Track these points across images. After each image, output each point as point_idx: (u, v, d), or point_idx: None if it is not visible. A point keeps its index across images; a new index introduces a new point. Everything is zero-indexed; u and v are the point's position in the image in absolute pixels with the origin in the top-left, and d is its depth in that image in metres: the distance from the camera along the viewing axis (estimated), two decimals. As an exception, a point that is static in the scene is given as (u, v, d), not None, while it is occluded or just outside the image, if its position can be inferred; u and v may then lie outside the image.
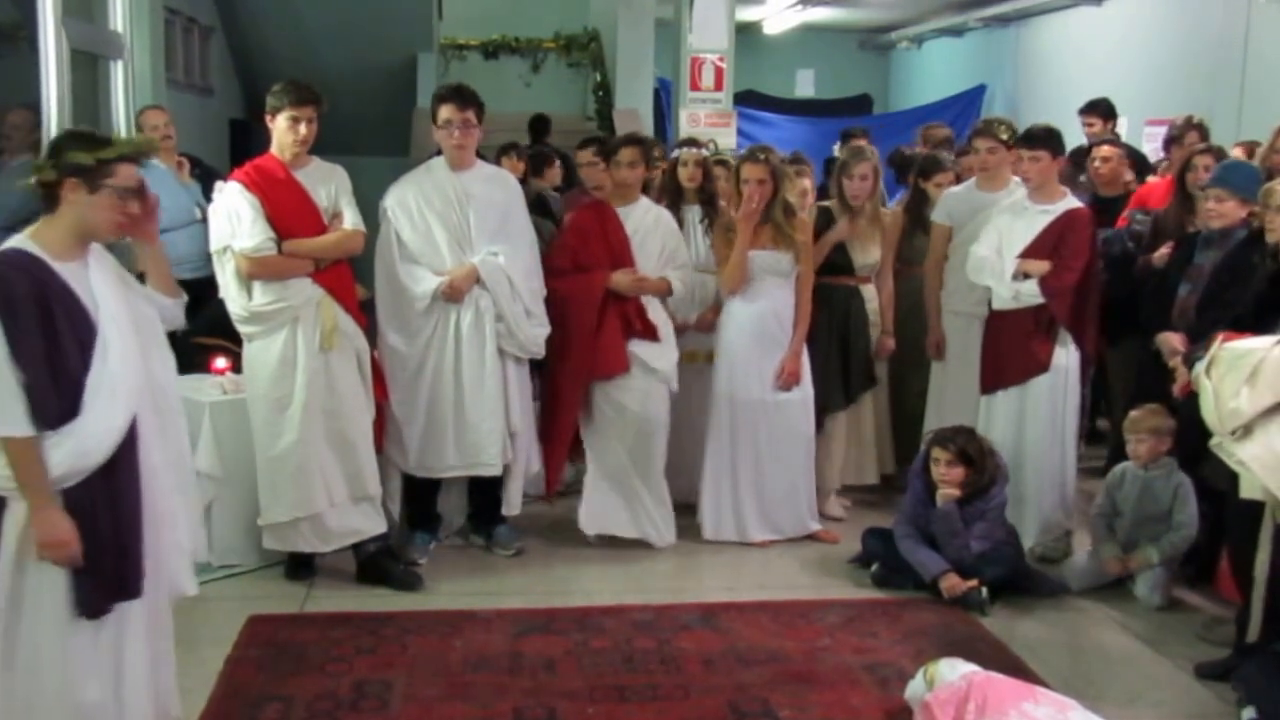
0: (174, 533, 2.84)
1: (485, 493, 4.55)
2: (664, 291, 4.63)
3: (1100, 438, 5.77)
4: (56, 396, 2.55)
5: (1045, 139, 4.47)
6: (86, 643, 2.65)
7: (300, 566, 4.22)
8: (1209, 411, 3.19)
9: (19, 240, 2.63)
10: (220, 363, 4.45)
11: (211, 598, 4.09)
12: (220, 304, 5.14)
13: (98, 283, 2.66)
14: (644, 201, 4.69)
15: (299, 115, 3.96)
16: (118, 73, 6.56)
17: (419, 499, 4.51)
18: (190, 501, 3.01)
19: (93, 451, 2.59)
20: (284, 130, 3.98)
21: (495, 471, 4.41)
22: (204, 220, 5.69)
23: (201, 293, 5.64)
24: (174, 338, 5.75)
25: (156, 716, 2.83)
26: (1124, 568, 4.22)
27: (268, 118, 4.01)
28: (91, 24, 6.27)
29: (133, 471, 2.68)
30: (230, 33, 9.98)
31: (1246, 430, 3.11)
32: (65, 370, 2.56)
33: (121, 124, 6.55)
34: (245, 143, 9.36)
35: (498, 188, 4.39)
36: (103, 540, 2.62)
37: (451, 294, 4.22)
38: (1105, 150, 5.67)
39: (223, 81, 9.89)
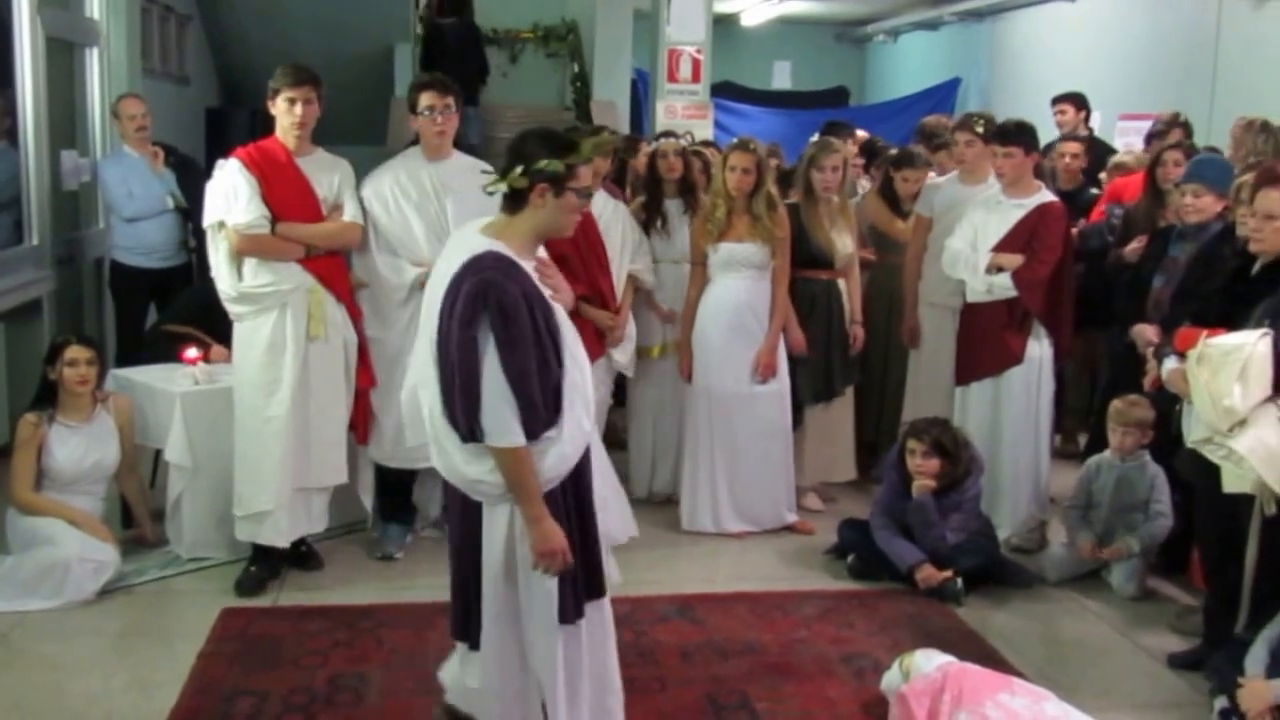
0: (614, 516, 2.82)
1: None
2: (633, 296, 4.79)
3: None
4: (544, 403, 2.51)
5: (1019, 135, 4.50)
6: (571, 645, 2.64)
7: (267, 560, 4.13)
8: (1205, 411, 3.21)
9: (490, 243, 2.57)
10: (192, 352, 4.41)
11: (182, 591, 4.07)
12: (192, 294, 5.13)
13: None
14: (601, 194, 4.71)
15: (295, 96, 3.96)
16: (93, 60, 6.50)
17: (394, 490, 4.48)
18: (615, 482, 2.91)
19: (570, 455, 2.56)
20: (283, 111, 3.98)
21: (473, 462, 4.39)
22: (176, 210, 5.68)
23: (172, 282, 5.65)
24: (142, 327, 5.73)
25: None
26: (1101, 555, 4.24)
27: (269, 103, 4.00)
28: (67, 11, 6.20)
29: (590, 470, 2.66)
30: (207, 21, 9.90)
31: (1240, 423, 3.15)
32: (548, 374, 2.52)
33: (96, 112, 6.49)
34: (221, 132, 9.28)
35: (475, 178, 4.33)
36: (574, 543, 2.59)
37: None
38: (1074, 147, 5.76)
39: (199, 70, 9.80)
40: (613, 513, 2.83)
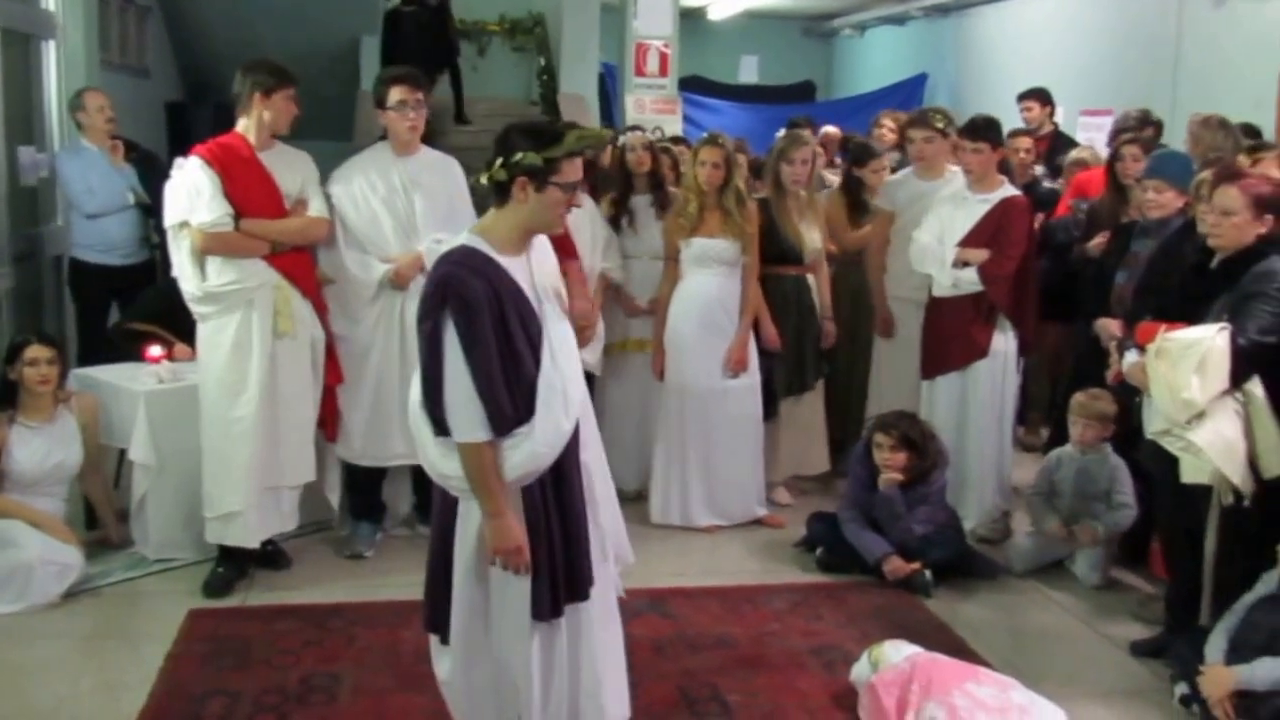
0: (614, 537, 2.79)
1: (431, 481, 4.50)
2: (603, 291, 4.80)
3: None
4: (511, 400, 2.48)
5: (987, 131, 4.55)
6: (545, 645, 2.62)
7: (234, 561, 4.09)
8: (1164, 403, 3.27)
9: (468, 238, 2.57)
10: (155, 351, 4.37)
11: (149, 592, 4.04)
12: (155, 291, 5.08)
13: (539, 275, 2.61)
14: None
15: (294, 91, 3.95)
16: (50, 53, 6.38)
17: (363, 488, 4.46)
18: (615, 507, 2.88)
19: (544, 455, 2.53)
20: (283, 110, 3.95)
21: (443, 459, 4.38)
22: (138, 205, 5.60)
23: (134, 279, 5.58)
24: (104, 325, 5.66)
25: (611, 717, 2.78)
26: (1069, 533, 4.29)
27: (257, 97, 3.92)
28: (23, 2, 6.09)
29: (577, 472, 2.63)
30: (168, 13, 9.75)
31: (1199, 416, 3.21)
32: (520, 372, 2.50)
33: (54, 105, 6.38)
34: (182, 126, 9.17)
35: (444, 174, 4.35)
36: (554, 541, 2.58)
37: (398, 281, 4.19)
38: (1025, 142, 5.86)
39: (159, 63, 9.66)
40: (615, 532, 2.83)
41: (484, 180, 2.58)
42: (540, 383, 2.52)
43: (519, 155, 2.51)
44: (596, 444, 2.76)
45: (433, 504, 2.71)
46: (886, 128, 6.53)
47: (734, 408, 4.68)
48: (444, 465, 2.56)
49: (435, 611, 2.69)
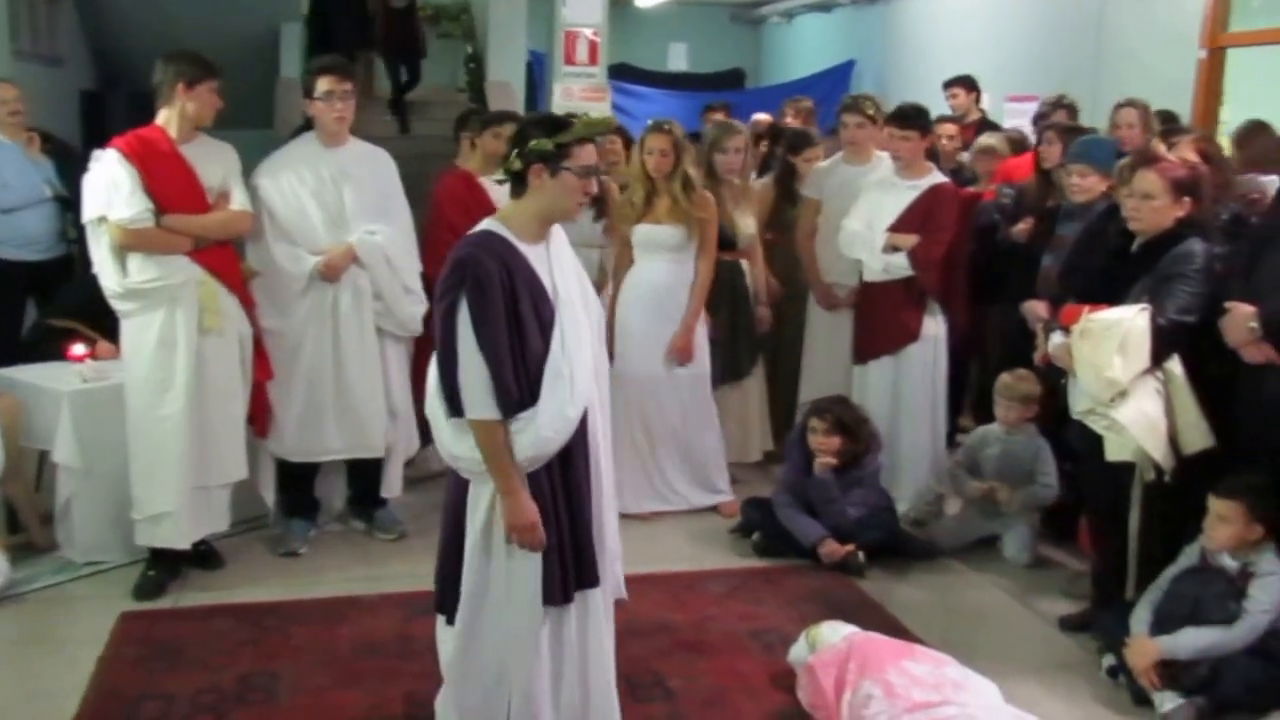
0: (613, 532, 2.78)
1: (364, 476, 4.47)
2: None
3: None
4: (518, 382, 2.50)
5: (917, 118, 4.62)
6: (555, 633, 2.63)
7: (165, 562, 4.01)
8: (1089, 382, 3.35)
9: (489, 223, 2.61)
10: (78, 349, 4.24)
11: (78, 596, 3.94)
12: (76, 287, 4.93)
13: (557, 265, 2.63)
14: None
15: (218, 85, 3.86)
16: (-44, 42, 6.16)
17: (296, 485, 4.40)
18: (615, 513, 2.87)
19: (550, 439, 2.54)
20: (207, 102, 3.85)
21: (378, 454, 4.34)
22: (55, 199, 5.43)
23: (52, 275, 5.41)
24: (20, 323, 5.47)
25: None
26: (991, 493, 4.38)
27: (179, 89, 3.81)
28: (-75, -11, 5.87)
29: (586, 460, 2.64)
30: (80, -1, 9.47)
31: (1121, 394, 3.30)
32: (529, 355, 2.52)
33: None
34: (97, 115, 8.91)
35: (374, 165, 4.29)
36: (562, 526, 2.59)
37: (329, 274, 4.13)
38: (950, 128, 5.96)
39: (73, 51, 9.38)
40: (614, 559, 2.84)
41: (503, 173, 2.65)
42: (547, 367, 2.56)
43: (532, 143, 2.58)
44: (606, 443, 2.77)
45: (446, 487, 2.74)
46: (789, 115, 6.65)
47: (679, 395, 4.67)
48: (456, 446, 2.60)
49: (444, 592, 2.71)
